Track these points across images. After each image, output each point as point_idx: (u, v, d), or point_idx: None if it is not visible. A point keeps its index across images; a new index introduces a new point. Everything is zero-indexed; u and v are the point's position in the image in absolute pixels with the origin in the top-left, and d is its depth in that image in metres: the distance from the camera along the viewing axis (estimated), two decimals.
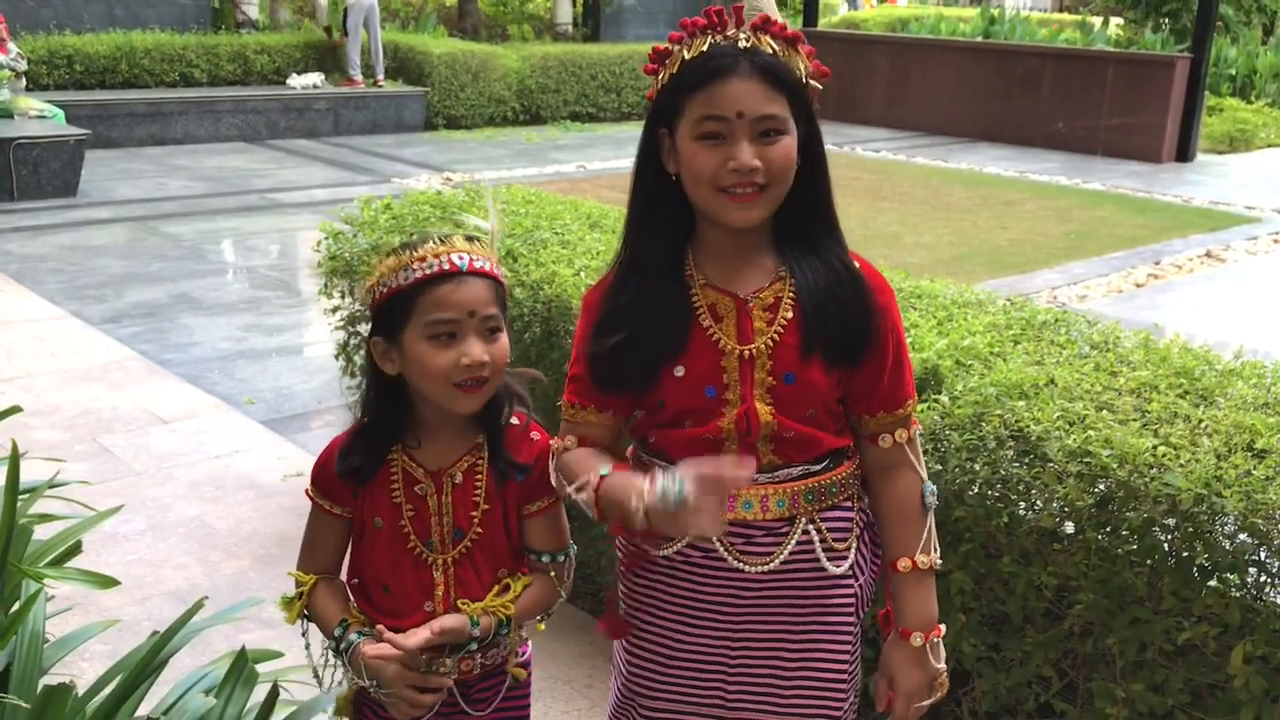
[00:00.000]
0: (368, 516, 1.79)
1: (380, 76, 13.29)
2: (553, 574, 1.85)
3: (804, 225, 1.72)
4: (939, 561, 1.83)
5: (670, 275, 1.72)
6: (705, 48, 1.63)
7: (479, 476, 1.78)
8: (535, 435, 1.82)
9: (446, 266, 1.68)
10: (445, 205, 3.89)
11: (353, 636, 1.76)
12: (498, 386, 1.76)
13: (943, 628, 1.84)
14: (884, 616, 1.88)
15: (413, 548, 1.77)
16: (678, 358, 1.70)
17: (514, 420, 1.81)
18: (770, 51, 1.63)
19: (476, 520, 1.77)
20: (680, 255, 1.73)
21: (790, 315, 1.69)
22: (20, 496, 2.31)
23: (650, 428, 1.79)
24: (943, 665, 1.84)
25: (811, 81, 1.68)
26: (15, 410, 2.67)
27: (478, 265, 1.70)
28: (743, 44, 1.62)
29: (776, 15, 1.68)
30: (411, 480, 1.77)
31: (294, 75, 12.91)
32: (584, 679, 3.08)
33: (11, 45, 10.05)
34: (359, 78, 13.12)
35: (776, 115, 1.62)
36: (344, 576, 1.88)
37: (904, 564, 1.80)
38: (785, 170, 1.64)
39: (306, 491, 1.84)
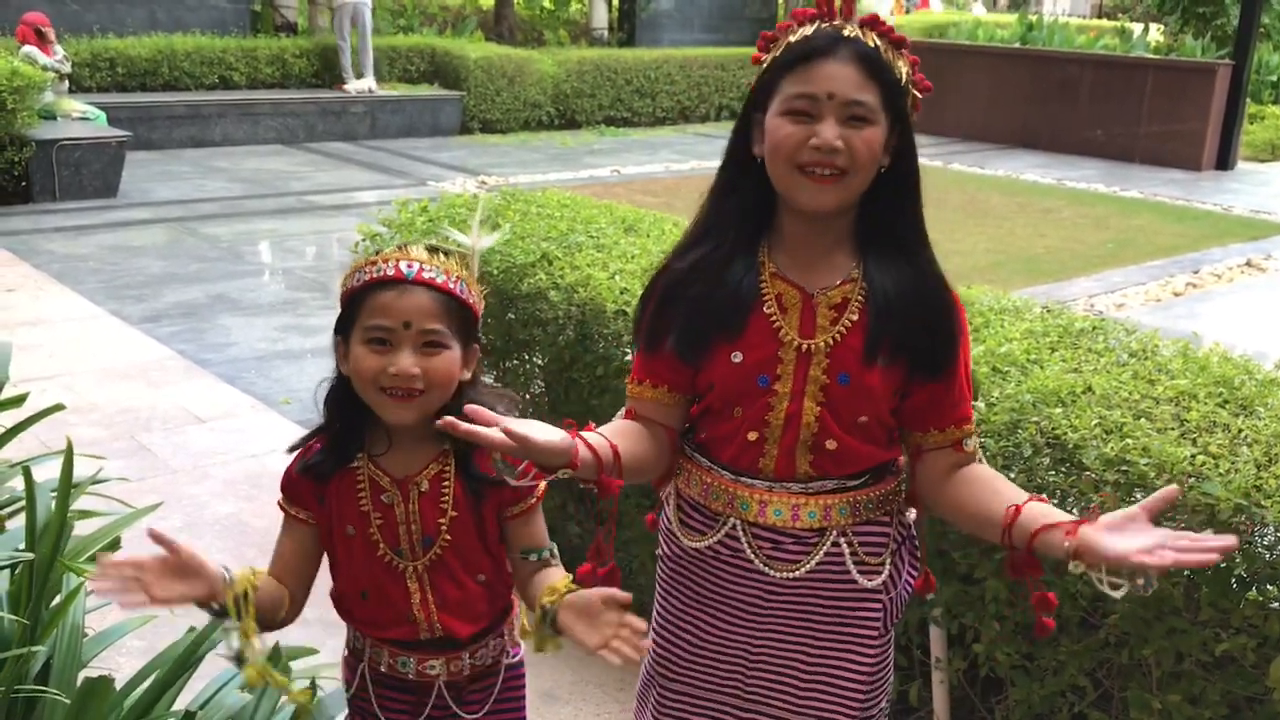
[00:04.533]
0: (337, 524, 1.77)
1: (370, 82, 12.97)
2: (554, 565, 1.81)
3: (891, 229, 1.71)
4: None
5: (742, 253, 1.71)
6: (810, 32, 1.66)
7: (446, 483, 1.74)
8: None
9: (391, 273, 1.67)
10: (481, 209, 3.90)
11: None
12: (460, 400, 1.70)
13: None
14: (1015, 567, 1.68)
15: (383, 555, 1.75)
16: (735, 341, 1.70)
17: None
18: (873, 45, 1.64)
19: (445, 528, 1.74)
20: (756, 240, 1.73)
21: (856, 317, 1.69)
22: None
23: (699, 417, 1.80)
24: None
25: (912, 90, 1.69)
26: (58, 408, 2.71)
27: (426, 276, 1.67)
28: (847, 32, 1.64)
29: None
30: (378, 489, 1.74)
31: (352, 80, 12.94)
32: (615, 682, 3.08)
33: (57, 48, 10.19)
34: (348, 81, 12.90)
35: (866, 103, 1.62)
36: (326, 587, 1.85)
37: (1023, 501, 1.64)
38: (866, 158, 1.63)
39: (279, 502, 1.81)
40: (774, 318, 1.70)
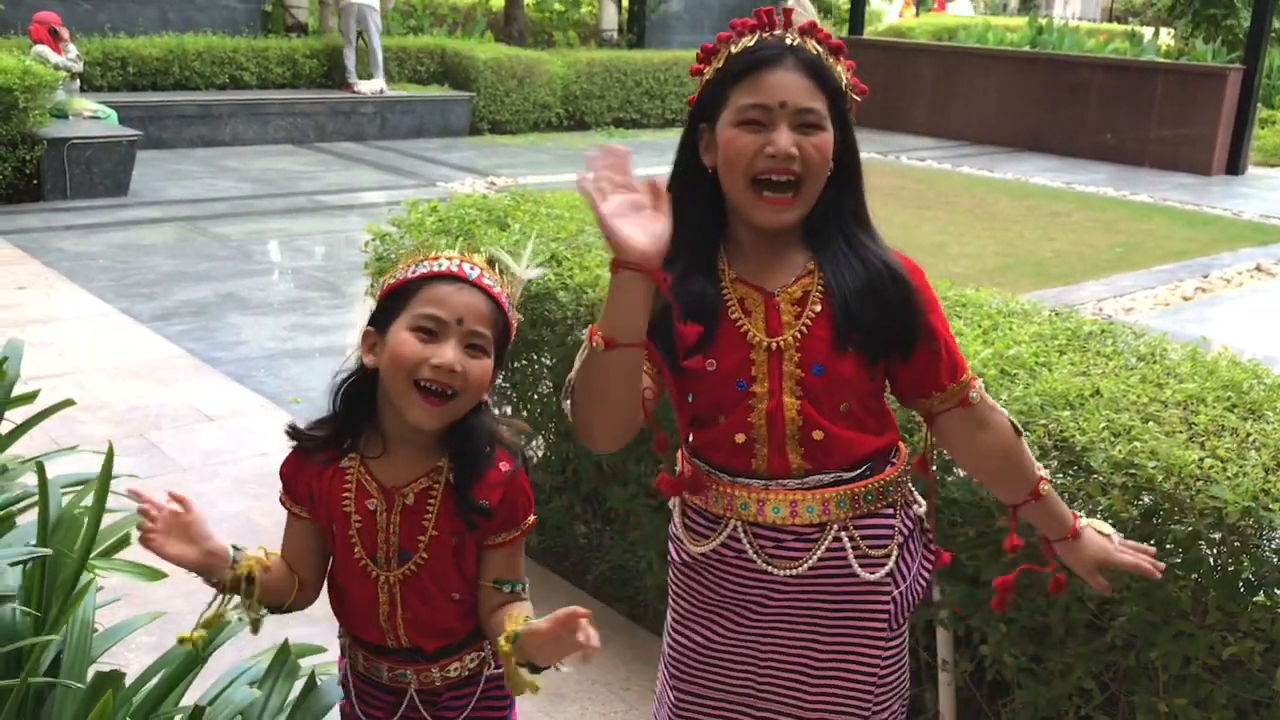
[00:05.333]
0: (323, 521, 1.77)
1: (381, 83, 12.98)
2: (525, 600, 1.78)
3: (837, 225, 1.74)
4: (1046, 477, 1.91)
5: (700, 268, 1.73)
6: (752, 43, 1.69)
7: (432, 501, 1.72)
8: (504, 466, 1.74)
9: (455, 270, 1.67)
10: (491, 209, 3.92)
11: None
12: (478, 423, 1.71)
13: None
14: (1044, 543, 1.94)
15: (359, 559, 1.75)
16: (707, 350, 1.71)
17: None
18: (814, 53, 1.68)
19: (423, 545, 1.72)
20: (713, 250, 1.75)
21: (819, 309, 1.71)
22: (74, 488, 2.36)
23: (688, 428, 1.82)
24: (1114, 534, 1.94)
25: (850, 93, 1.74)
26: (68, 403, 2.72)
27: (485, 282, 1.68)
28: (789, 41, 1.68)
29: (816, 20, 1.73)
30: (364, 493, 1.73)
31: (359, 81, 12.93)
32: (621, 681, 3.09)
33: (70, 47, 10.23)
34: (355, 82, 12.92)
35: (817, 110, 1.66)
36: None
37: (1045, 487, 1.87)
38: (819, 164, 1.67)
39: (279, 496, 1.82)
40: (740, 322, 1.72)
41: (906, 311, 1.72)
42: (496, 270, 1.73)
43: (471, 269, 1.69)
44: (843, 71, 1.72)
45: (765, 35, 1.69)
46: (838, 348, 1.70)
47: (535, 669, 1.62)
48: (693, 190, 1.74)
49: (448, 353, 1.63)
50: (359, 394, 1.74)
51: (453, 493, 1.71)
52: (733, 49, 1.70)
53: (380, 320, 1.70)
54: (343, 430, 1.75)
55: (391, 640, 1.79)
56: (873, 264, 1.72)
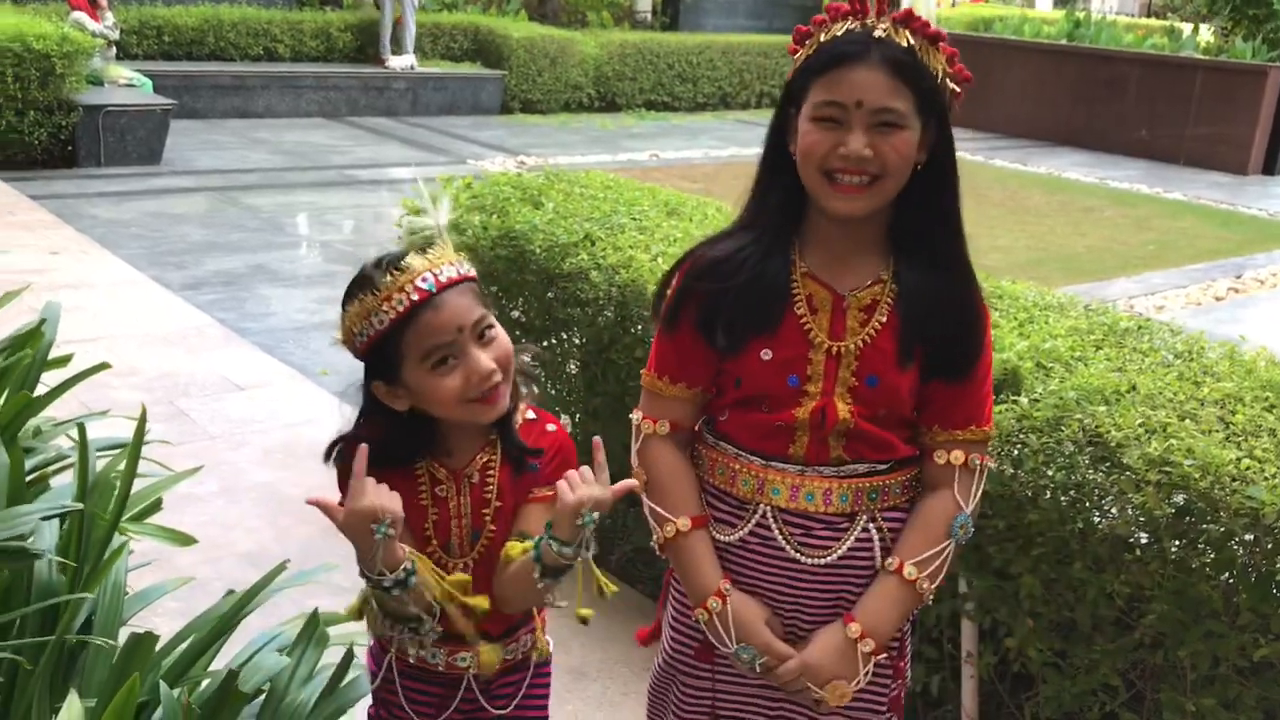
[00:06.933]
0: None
1: (411, 59, 12.92)
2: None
3: (924, 229, 1.70)
4: (927, 591, 1.75)
5: (777, 250, 1.71)
6: (839, 33, 1.62)
7: (491, 473, 1.73)
8: (551, 427, 1.76)
9: (416, 297, 1.59)
10: (525, 187, 3.91)
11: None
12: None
13: (878, 653, 1.75)
14: None
15: (433, 552, 1.74)
16: (770, 337, 1.69)
17: (530, 415, 1.76)
18: (906, 46, 1.60)
19: (489, 518, 1.73)
20: (787, 236, 1.73)
21: (885, 319, 1.69)
22: (110, 452, 2.38)
23: (723, 407, 1.79)
24: (859, 680, 1.74)
25: (950, 84, 1.66)
26: (104, 366, 2.74)
27: (444, 278, 1.62)
28: (878, 34, 1.60)
29: (930, 15, 1.65)
30: (435, 482, 1.73)
31: (391, 56, 12.92)
32: (642, 661, 3.09)
33: (107, 15, 10.26)
34: (387, 57, 12.89)
35: (896, 109, 1.60)
36: None
37: (890, 562, 1.74)
38: (898, 164, 1.62)
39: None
40: (805, 319, 1.70)
41: (975, 330, 1.72)
42: (431, 252, 1.64)
43: (425, 280, 1.60)
44: (940, 63, 1.64)
45: (853, 26, 1.62)
46: (900, 364, 1.69)
47: (556, 574, 1.61)
48: (779, 172, 1.72)
49: (478, 363, 1.61)
50: (409, 423, 1.70)
51: (508, 458, 1.72)
52: (822, 37, 1.64)
53: (382, 374, 1.65)
54: (408, 451, 1.72)
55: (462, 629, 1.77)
56: (956, 273, 1.71)
